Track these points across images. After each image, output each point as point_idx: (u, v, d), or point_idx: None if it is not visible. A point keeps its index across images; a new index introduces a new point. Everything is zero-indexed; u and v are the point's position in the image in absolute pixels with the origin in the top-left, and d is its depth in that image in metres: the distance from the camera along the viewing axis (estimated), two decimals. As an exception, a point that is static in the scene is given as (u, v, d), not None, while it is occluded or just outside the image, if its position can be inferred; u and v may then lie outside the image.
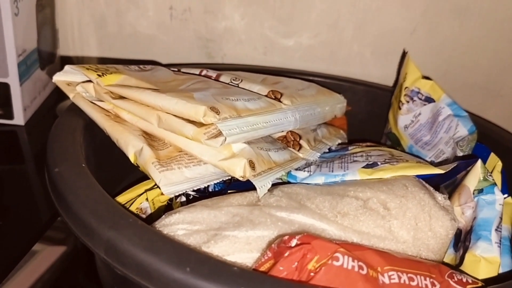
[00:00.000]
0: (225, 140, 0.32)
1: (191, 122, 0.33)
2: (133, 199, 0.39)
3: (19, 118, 0.56)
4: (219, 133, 0.32)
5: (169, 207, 0.40)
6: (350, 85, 0.58)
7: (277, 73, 0.56)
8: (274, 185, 0.34)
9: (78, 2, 0.62)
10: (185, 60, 0.63)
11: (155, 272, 0.22)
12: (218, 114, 0.33)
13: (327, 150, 0.44)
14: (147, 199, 0.39)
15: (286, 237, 0.26)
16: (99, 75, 0.37)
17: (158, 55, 0.63)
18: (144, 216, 0.40)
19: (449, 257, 0.35)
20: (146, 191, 0.39)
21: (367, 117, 0.57)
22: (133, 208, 0.39)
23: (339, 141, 0.48)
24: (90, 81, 0.38)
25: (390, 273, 0.25)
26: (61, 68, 0.40)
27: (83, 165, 0.30)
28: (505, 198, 0.36)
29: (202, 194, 0.38)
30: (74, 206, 0.26)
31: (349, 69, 0.61)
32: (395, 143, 0.50)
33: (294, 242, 0.25)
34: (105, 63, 0.56)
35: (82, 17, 0.62)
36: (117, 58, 0.64)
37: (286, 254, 0.24)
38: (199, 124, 0.33)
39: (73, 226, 0.26)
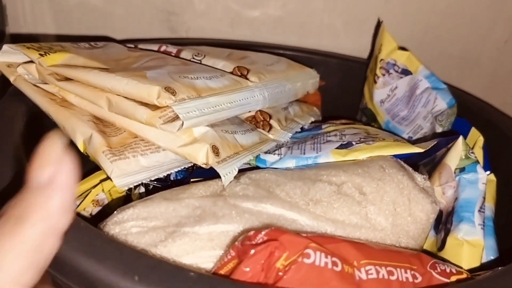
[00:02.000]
0: (183, 125, 0.28)
1: (145, 105, 0.30)
2: (88, 191, 0.36)
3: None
4: (176, 117, 0.29)
5: (128, 197, 0.37)
6: (323, 58, 0.55)
7: (243, 46, 0.53)
8: (242, 171, 0.31)
9: (27, -26, 0.56)
10: (146, 35, 0.58)
11: (99, 281, 0.19)
12: (174, 95, 0.29)
13: (299, 130, 0.41)
14: (103, 190, 0.36)
15: (251, 233, 0.23)
16: (41, 55, 0.33)
17: (117, 30, 0.58)
18: (101, 208, 0.37)
19: (430, 240, 0.33)
20: (101, 181, 0.36)
21: (341, 92, 0.54)
22: (88, 200, 0.35)
23: (313, 119, 0.45)
24: (32, 61, 0.34)
25: (368, 267, 0.23)
26: None
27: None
28: (487, 175, 0.34)
29: (163, 183, 0.35)
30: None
31: (321, 42, 0.58)
32: (371, 119, 0.47)
33: (260, 238, 0.22)
34: (61, 40, 0.51)
35: None
36: (73, 34, 0.59)
37: (251, 253, 0.22)
38: (154, 107, 0.29)
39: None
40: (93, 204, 0.36)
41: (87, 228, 0.21)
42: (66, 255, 0.20)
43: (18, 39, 0.58)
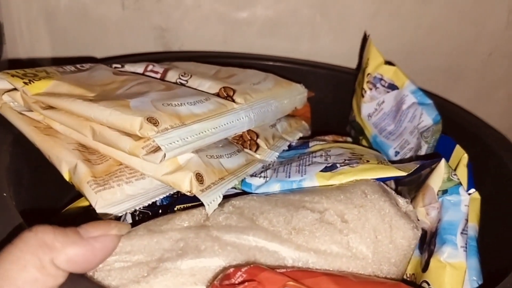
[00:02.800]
0: (165, 156, 0.29)
1: (128, 135, 0.30)
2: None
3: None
4: (159, 147, 0.29)
5: (118, 219, 0.37)
6: (312, 69, 0.55)
7: (233, 58, 0.53)
8: (226, 196, 0.32)
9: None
10: (141, 52, 0.59)
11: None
12: (156, 126, 0.29)
13: (286, 148, 0.41)
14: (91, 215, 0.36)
15: (230, 270, 0.23)
16: (25, 83, 0.33)
17: (113, 48, 0.58)
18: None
19: (415, 259, 0.34)
20: (88, 207, 0.36)
21: (331, 102, 0.55)
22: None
23: (301, 134, 0.45)
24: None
25: (346, 302, 0.23)
26: (8, 67, 0.36)
27: (4, 194, 0.27)
28: (471, 193, 0.34)
29: (151, 209, 0.35)
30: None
31: (310, 51, 0.59)
32: (359, 133, 0.48)
33: (239, 276, 0.23)
34: (58, 58, 0.51)
35: (30, 10, 0.57)
36: (69, 54, 0.59)
37: (230, 293, 0.22)
38: (137, 137, 0.30)
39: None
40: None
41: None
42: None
43: (15, 59, 0.58)
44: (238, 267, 0.23)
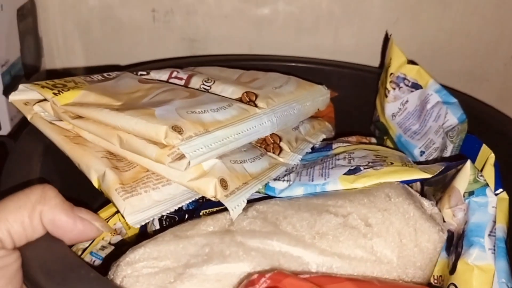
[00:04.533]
0: (189, 164, 0.29)
1: (154, 143, 0.31)
2: (106, 220, 0.37)
3: (5, 128, 0.54)
4: (184, 155, 0.30)
5: (145, 226, 0.38)
6: (335, 69, 0.55)
7: (256, 61, 0.54)
8: (250, 201, 0.32)
9: (60, 10, 0.60)
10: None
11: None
12: (181, 134, 0.30)
13: (310, 150, 0.41)
14: (119, 219, 0.37)
15: (255, 276, 0.23)
16: (55, 94, 0.35)
17: (144, 59, 0.60)
18: (120, 237, 0.38)
19: (442, 261, 0.33)
20: (117, 212, 0.37)
21: (355, 102, 0.54)
22: (106, 230, 0.37)
23: (324, 136, 0.45)
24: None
25: (371, 307, 0.23)
26: (46, 77, 0.38)
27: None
28: (498, 194, 0.34)
29: (177, 214, 0.36)
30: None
31: (333, 54, 0.59)
32: (384, 133, 0.47)
33: (263, 282, 0.23)
34: (91, 70, 0.54)
35: (66, 24, 0.61)
36: (103, 65, 0.62)
37: (254, 299, 0.22)
38: (162, 145, 0.30)
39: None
40: (111, 233, 0.37)
41: (98, 279, 0.22)
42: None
43: (52, 70, 0.61)
44: (262, 273, 0.23)
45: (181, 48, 0.59)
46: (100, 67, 0.61)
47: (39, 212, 0.25)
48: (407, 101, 0.44)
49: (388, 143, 0.47)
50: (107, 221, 0.37)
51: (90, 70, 0.61)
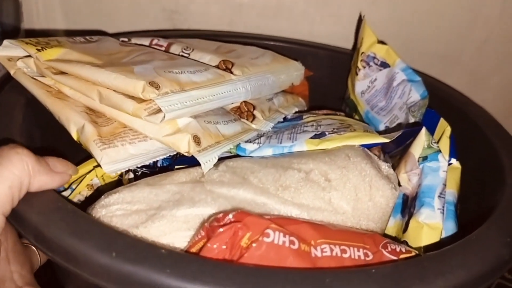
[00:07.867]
0: (165, 117, 0.31)
1: (132, 98, 0.32)
2: (83, 176, 0.39)
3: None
4: (160, 109, 0.31)
5: (120, 182, 0.40)
6: (311, 50, 0.57)
7: (236, 37, 0.55)
8: (221, 159, 0.34)
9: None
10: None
11: (82, 257, 0.22)
12: (158, 89, 0.32)
13: (281, 120, 0.43)
14: (96, 175, 0.39)
15: (220, 215, 0.26)
16: (38, 50, 0.36)
17: (124, 27, 0.61)
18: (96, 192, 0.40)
19: (397, 223, 0.36)
20: (95, 167, 0.39)
21: (329, 82, 0.57)
22: (83, 185, 0.39)
23: (297, 109, 0.48)
24: (30, 55, 0.37)
25: (323, 246, 0.26)
26: (25, 37, 0.38)
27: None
28: (451, 163, 0.37)
29: (152, 170, 0.38)
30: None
31: (312, 33, 0.61)
32: (353, 109, 0.50)
33: (227, 220, 0.25)
34: (70, 35, 0.55)
35: None
36: (82, 29, 0.62)
37: (217, 232, 0.24)
38: (140, 100, 0.32)
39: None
40: (87, 188, 0.39)
41: (73, 211, 0.24)
42: (54, 234, 0.23)
43: (31, 34, 0.62)
44: (226, 212, 0.26)
45: (161, 18, 0.60)
46: (80, 31, 0.61)
47: (26, 185, 0.25)
48: (375, 79, 0.47)
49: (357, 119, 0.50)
50: (84, 177, 0.39)
51: (70, 34, 0.61)
